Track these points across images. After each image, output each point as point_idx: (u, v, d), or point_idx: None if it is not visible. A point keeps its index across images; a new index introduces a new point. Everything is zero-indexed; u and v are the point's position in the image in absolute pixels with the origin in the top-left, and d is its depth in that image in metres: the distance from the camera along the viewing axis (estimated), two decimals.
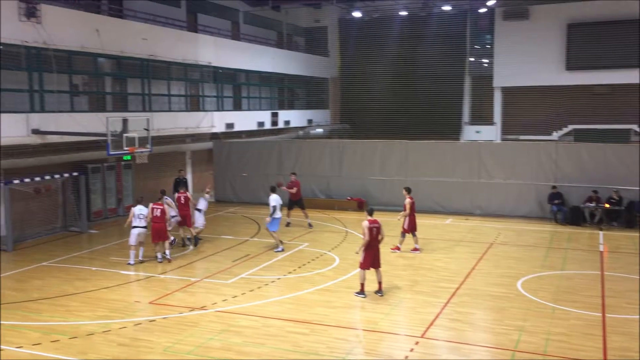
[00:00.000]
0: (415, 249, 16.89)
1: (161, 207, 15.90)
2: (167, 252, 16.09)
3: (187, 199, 17.59)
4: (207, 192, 19.09)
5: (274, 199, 17.07)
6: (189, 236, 17.88)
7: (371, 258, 12.84)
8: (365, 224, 12.80)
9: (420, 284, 13.88)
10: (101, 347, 10.29)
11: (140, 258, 15.93)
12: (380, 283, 13.04)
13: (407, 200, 16.69)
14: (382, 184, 23.43)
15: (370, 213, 13.14)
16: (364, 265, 12.86)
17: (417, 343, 10.38)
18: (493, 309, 12.17)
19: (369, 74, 36.49)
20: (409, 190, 17.01)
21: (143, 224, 15.76)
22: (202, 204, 18.25)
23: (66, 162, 20.15)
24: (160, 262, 15.87)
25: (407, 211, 16.60)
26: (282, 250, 16.95)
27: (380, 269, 13.09)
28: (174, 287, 13.79)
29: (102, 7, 23.29)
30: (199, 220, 18.12)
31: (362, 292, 12.89)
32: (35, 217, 19.48)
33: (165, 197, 16.79)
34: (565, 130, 33.46)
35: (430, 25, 35.25)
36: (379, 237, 12.97)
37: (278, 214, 16.99)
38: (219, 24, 29.86)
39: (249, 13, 33.21)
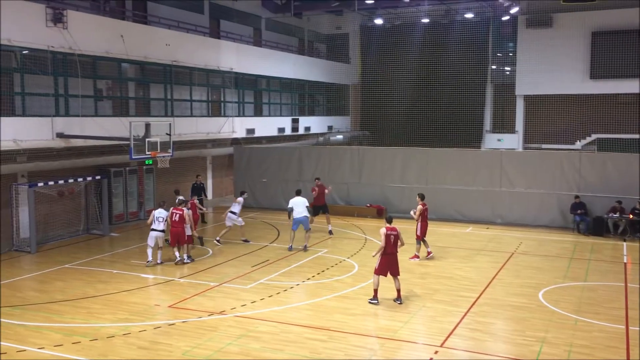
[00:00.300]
0: (429, 253, 16.92)
1: (180, 212, 16.00)
2: (185, 255, 16.19)
3: (181, 217, 15.97)
4: (242, 196, 19.26)
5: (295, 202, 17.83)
6: (185, 254, 16.44)
7: (386, 265, 12.84)
8: (383, 230, 12.89)
9: (440, 292, 13.77)
10: (121, 350, 10.37)
11: (158, 261, 16.06)
12: (399, 291, 12.98)
13: (419, 207, 16.75)
14: (401, 191, 23.33)
15: (389, 221, 13.21)
16: (378, 271, 12.91)
17: (436, 352, 10.29)
18: (514, 319, 12.03)
19: (390, 81, 36.42)
20: (422, 197, 17.06)
21: (161, 227, 15.91)
22: (236, 207, 18.63)
23: (89, 165, 20.43)
24: (177, 264, 16.00)
25: (417, 216, 16.71)
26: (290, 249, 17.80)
27: (399, 276, 13.04)
28: (193, 291, 13.86)
29: (127, 13, 23.61)
30: (237, 220, 18.58)
31: (375, 298, 12.90)
32: (58, 220, 19.76)
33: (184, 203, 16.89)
34: (588, 139, 33.04)
35: (452, 32, 35.11)
36: (398, 245, 12.97)
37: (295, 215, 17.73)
38: (241, 30, 30.10)
39: (271, 20, 33.42)
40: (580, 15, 32.12)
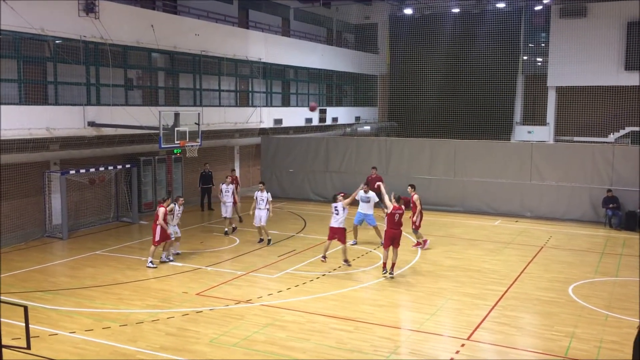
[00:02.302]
0: (419, 244, 17.07)
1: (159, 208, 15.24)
2: (163, 254, 15.55)
3: (156, 216, 15.20)
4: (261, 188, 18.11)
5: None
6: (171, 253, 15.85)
7: (390, 240, 14.01)
8: (417, 196, 15.71)
9: (467, 285, 13.66)
10: (150, 336, 10.54)
11: (169, 256, 15.63)
12: (393, 264, 14.09)
13: (416, 197, 16.86)
14: (428, 182, 23.14)
15: (397, 200, 14.24)
16: (385, 246, 14.24)
17: (462, 345, 10.22)
18: (542, 313, 11.87)
19: (418, 71, 36.05)
20: (414, 187, 17.22)
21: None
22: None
23: (119, 154, 20.71)
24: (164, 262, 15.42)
25: (420, 207, 16.79)
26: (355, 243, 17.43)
27: (398, 249, 14.19)
28: (221, 279, 13.99)
29: (157, 3, 23.78)
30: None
31: (384, 268, 14.18)
32: (89, 207, 20.11)
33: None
34: (622, 132, 32.31)
35: (483, 22, 34.56)
36: (401, 223, 14.13)
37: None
38: (270, 20, 30.10)
39: (300, 9, 33.34)
40: (615, 5, 31.34)
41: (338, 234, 14.89)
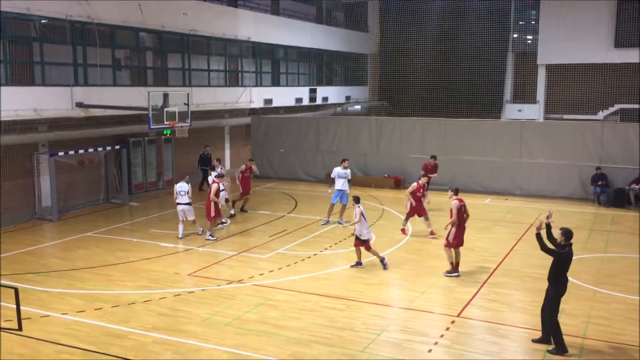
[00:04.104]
0: (404, 231, 16.38)
1: (213, 184, 15.91)
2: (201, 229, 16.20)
3: (209, 192, 15.88)
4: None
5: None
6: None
7: (460, 237, 12.78)
8: (455, 203, 12.71)
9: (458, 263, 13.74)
10: (142, 316, 10.57)
11: (202, 233, 15.99)
12: (458, 263, 12.92)
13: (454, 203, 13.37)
14: (420, 162, 23.06)
15: (456, 192, 13.10)
16: (453, 244, 12.77)
17: (453, 322, 10.34)
18: (532, 290, 12.00)
19: (408, 50, 35.86)
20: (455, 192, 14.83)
21: (185, 200, 15.79)
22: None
23: (108, 135, 20.57)
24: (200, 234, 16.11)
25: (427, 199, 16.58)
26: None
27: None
28: (212, 260, 14.02)
29: None
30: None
31: (455, 270, 12.82)
32: (79, 189, 20.01)
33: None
34: (611, 109, 32.40)
35: (473, 0, 34.38)
36: (466, 216, 12.99)
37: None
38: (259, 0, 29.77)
39: None
40: None
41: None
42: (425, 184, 16.58)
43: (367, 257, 14.11)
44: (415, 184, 16.11)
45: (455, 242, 12.80)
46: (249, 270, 13.18)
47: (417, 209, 16.09)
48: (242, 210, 19.25)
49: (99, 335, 9.80)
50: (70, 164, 19.23)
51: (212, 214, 15.67)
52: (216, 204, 15.70)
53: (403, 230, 16.40)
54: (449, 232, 12.82)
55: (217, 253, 14.60)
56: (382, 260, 13.38)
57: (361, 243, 13.24)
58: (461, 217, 12.81)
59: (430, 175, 18.33)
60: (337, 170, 17.40)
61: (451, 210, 12.76)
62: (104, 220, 18.25)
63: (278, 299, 11.42)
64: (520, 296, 11.82)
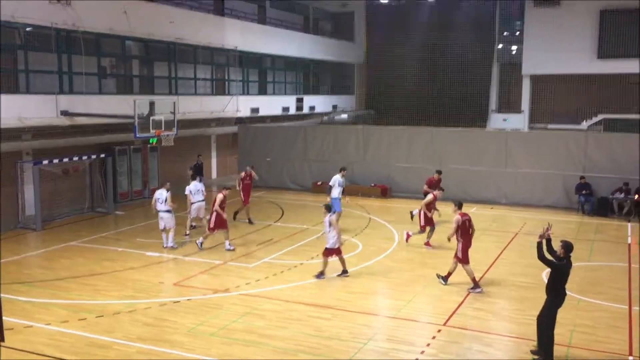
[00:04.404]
0: (428, 244, 16.22)
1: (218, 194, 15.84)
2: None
3: (213, 201, 15.65)
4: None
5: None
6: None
7: (465, 251, 12.48)
8: (457, 218, 12.47)
9: (444, 271, 13.72)
10: (127, 326, 10.47)
11: (170, 244, 15.68)
12: (450, 274, 12.74)
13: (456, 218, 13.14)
14: (406, 171, 23.29)
15: (460, 207, 12.79)
16: (466, 260, 12.47)
17: (439, 331, 10.35)
18: (517, 298, 12.07)
19: (395, 60, 36.13)
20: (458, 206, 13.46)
21: (163, 208, 15.46)
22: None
23: (94, 143, 20.43)
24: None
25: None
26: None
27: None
28: (198, 269, 13.93)
29: None
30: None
31: (477, 285, 12.43)
32: (63, 198, 19.82)
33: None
34: (595, 119, 32.79)
35: (458, 11, 34.73)
36: (471, 231, 12.63)
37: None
38: (246, 8, 29.81)
39: None
40: None
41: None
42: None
43: (355, 265, 14.11)
44: (430, 195, 16.09)
45: (463, 256, 12.45)
46: (235, 280, 13.11)
47: (430, 220, 16.02)
48: (249, 221, 18.70)
49: (82, 345, 9.69)
50: (55, 172, 19.06)
51: (211, 225, 15.40)
52: (219, 214, 15.35)
53: (427, 243, 15.99)
54: (457, 248, 12.65)
55: (203, 262, 14.51)
56: (343, 272, 13.30)
57: (330, 252, 13.13)
58: (465, 231, 12.46)
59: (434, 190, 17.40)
60: (338, 179, 17.50)
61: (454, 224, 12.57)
62: (89, 229, 18.09)
63: (264, 308, 11.37)
64: (506, 305, 11.87)
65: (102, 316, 10.94)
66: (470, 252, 15.45)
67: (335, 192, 17.46)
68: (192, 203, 16.50)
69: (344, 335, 10.15)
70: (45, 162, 18.26)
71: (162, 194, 15.58)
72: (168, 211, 15.52)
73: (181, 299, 11.88)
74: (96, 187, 20.79)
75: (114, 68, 21.90)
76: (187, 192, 16.53)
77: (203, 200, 16.69)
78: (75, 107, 18.54)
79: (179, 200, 16.64)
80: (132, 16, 20.37)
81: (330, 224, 12.97)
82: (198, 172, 22.48)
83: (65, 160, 18.97)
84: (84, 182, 20.65)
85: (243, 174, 19.08)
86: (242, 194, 18.75)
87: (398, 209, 21.42)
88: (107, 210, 20.39)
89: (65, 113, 18.27)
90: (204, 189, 16.84)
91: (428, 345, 9.76)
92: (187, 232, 17.01)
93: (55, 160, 18.58)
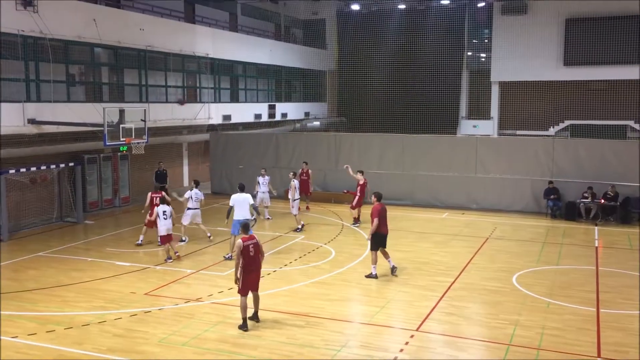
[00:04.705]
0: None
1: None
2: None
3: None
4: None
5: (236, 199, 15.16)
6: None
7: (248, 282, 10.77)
8: (239, 242, 10.61)
9: (416, 277, 13.90)
10: (97, 338, 10.29)
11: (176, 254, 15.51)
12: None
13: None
14: (378, 177, 23.36)
15: (379, 198, 14.23)
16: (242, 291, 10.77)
17: (412, 336, 10.41)
18: (488, 303, 12.21)
19: (366, 67, 36.33)
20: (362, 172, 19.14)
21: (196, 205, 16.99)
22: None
23: (62, 152, 20.09)
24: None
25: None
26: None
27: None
28: (170, 278, 13.78)
29: None
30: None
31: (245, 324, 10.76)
32: (31, 207, 19.44)
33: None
34: (561, 125, 33.52)
35: (428, 19, 35.14)
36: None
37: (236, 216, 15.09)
38: (217, 15, 29.74)
39: (247, 5, 33.08)
40: (554, 2, 32.43)
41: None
42: None
43: (328, 272, 14.12)
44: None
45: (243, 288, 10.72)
46: (208, 288, 13.01)
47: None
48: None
49: (51, 358, 9.49)
50: (22, 181, 18.70)
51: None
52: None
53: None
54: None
55: (174, 271, 14.36)
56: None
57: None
58: (248, 257, 10.58)
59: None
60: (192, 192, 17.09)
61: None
62: (58, 239, 17.76)
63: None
64: (477, 309, 12.00)
65: (71, 328, 10.73)
66: (441, 257, 15.73)
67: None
68: (189, 209, 16.93)
69: (317, 342, 10.14)
70: (12, 171, 17.90)
71: (197, 194, 16.87)
72: (197, 208, 16.97)
73: (152, 309, 11.73)
74: (65, 197, 20.44)
75: (82, 75, 21.60)
76: (186, 196, 16.95)
77: (198, 208, 17.08)
78: (43, 115, 18.23)
79: (173, 204, 16.52)
80: (101, 23, 20.15)
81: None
82: (160, 179, 22.36)
83: (33, 169, 18.62)
84: (52, 192, 20.29)
85: (300, 170, 21.69)
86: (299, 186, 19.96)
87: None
88: (76, 220, 20.06)
89: (32, 121, 17.95)
90: (202, 197, 17.27)
91: (401, 350, 9.81)
92: (184, 238, 17.21)
93: (23, 170, 18.22)
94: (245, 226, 10.94)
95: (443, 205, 22.76)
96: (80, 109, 19.33)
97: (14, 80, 17.92)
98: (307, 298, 12.44)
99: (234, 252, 12.06)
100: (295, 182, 19.14)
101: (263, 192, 20.45)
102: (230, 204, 15.22)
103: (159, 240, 15.80)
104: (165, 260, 15.21)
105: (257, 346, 9.95)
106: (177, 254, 15.46)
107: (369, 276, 13.73)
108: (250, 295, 10.82)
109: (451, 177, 22.73)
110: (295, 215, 19.01)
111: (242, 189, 15.41)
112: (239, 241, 10.59)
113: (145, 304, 12.04)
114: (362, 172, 19.86)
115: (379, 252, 13.88)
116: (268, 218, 20.51)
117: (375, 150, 23.80)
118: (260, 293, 11.15)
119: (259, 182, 20.61)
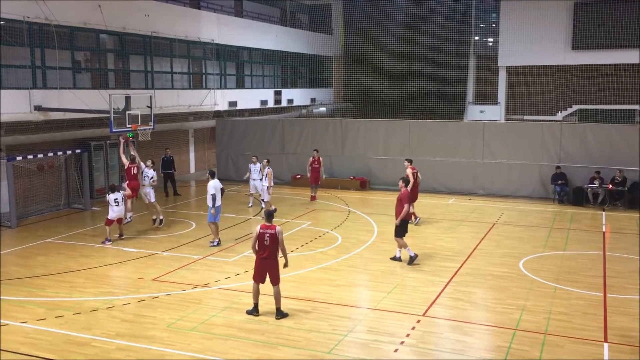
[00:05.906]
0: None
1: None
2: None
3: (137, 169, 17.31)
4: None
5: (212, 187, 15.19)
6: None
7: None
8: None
9: (423, 263, 13.91)
10: (105, 323, 10.37)
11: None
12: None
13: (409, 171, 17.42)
14: (384, 163, 23.40)
15: (407, 183, 14.29)
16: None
17: (418, 321, 10.43)
18: (495, 288, 12.21)
19: (372, 52, 36.13)
20: (410, 161, 18.14)
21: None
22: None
23: (69, 139, 20.15)
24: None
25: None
26: (218, 244, 15.41)
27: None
28: (177, 264, 13.85)
29: None
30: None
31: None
32: (38, 194, 19.54)
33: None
34: (569, 110, 33.26)
35: (435, 3, 34.86)
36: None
37: (218, 202, 15.22)
38: (222, 1, 29.58)
39: None
40: None
41: None
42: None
43: (335, 258, 14.15)
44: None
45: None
46: (215, 274, 13.07)
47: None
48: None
49: (60, 343, 9.58)
50: (29, 168, 18.76)
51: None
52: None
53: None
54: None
55: (181, 257, 14.43)
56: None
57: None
58: (262, 245, 10.68)
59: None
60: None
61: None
62: (65, 225, 17.86)
63: (244, 302, 11.34)
64: (483, 294, 12.01)
65: (80, 313, 10.82)
66: (448, 243, 15.73)
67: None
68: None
69: (324, 327, 10.18)
70: (19, 158, 17.96)
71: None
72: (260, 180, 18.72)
73: (160, 295, 11.80)
74: (72, 183, 20.52)
75: (88, 62, 21.59)
76: (213, 192, 15.19)
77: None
78: (49, 102, 18.26)
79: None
80: (107, 9, 20.09)
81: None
82: (167, 166, 22.39)
83: (40, 156, 18.68)
84: (59, 178, 20.37)
85: (311, 159, 21.47)
86: (310, 175, 21.34)
87: (377, 201, 21.52)
88: (83, 207, 20.15)
89: (39, 108, 17.99)
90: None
91: (408, 335, 9.83)
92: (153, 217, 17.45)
93: (30, 156, 18.28)
94: (269, 215, 10.84)
95: (449, 191, 22.72)
96: (86, 95, 19.34)
97: (20, 67, 17.94)
98: (314, 284, 12.48)
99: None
100: (269, 170, 18.82)
101: (254, 180, 19.78)
102: (213, 192, 15.05)
103: (106, 221, 15.74)
104: (103, 242, 15.59)
105: (264, 331, 10.01)
106: (121, 236, 16.00)
107: (411, 261, 13.60)
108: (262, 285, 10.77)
109: (458, 162, 22.66)
110: (267, 202, 18.84)
111: (213, 175, 15.46)
112: (256, 228, 10.68)
113: (152, 290, 12.12)
114: (410, 161, 18.03)
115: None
116: (263, 207, 20.03)
117: (381, 136, 23.74)
118: (266, 279, 11.15)
119: (250, 169, 20.06)
